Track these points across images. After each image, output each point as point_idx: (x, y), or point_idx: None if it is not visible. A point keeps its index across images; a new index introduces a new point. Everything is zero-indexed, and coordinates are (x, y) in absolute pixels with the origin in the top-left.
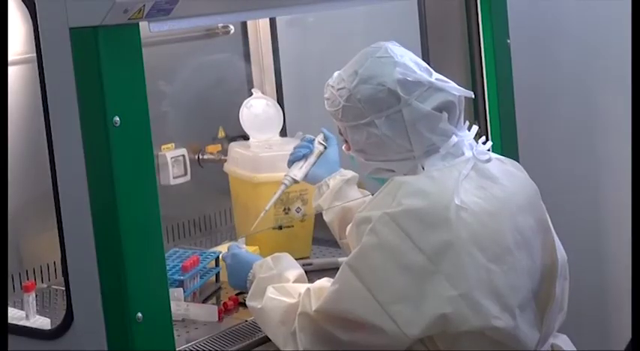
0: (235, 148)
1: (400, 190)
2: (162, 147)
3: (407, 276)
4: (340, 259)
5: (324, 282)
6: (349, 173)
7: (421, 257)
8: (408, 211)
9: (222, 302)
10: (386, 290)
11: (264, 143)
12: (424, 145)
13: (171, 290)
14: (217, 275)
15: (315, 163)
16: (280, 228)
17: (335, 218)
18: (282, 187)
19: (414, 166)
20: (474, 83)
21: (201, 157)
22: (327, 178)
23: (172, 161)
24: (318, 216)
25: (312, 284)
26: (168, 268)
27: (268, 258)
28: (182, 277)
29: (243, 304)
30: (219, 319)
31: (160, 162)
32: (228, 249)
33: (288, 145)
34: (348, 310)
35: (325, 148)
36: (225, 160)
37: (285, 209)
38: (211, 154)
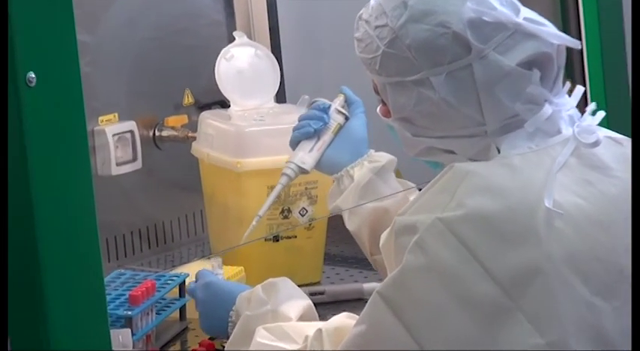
0: (209, 119)
1: (463, 183)
2: (101, 119)
3: (470, 315)
4: (368, 286)
5: (344, 319)
6: (383, 157)
7: (492, 287)
8: (473, 217)
9: (190, 350)
10: (437, 335)
11: (251, 113)
12: (502, 117)
13: (113, 333)
14: (182, 310)
15: (331, 142)
16: (277, 239)
17: (363, 225)
18: (283, 179)
19: (485, 148)
20: (565, 25)
21: (158, 133)
22: (351, 165)
23: (115, 140)
24: (334, 222)
25: (326, 323)
26: (109, 299)
27: (258, 287)
28: (130, 313)
29: None
30: None
31: (96, 141)
32: (196, 276)
33: (289, 116)
34: None
35: (347, 118)
36: (194, 138)
37: (283, 211)
38: (173, 129)
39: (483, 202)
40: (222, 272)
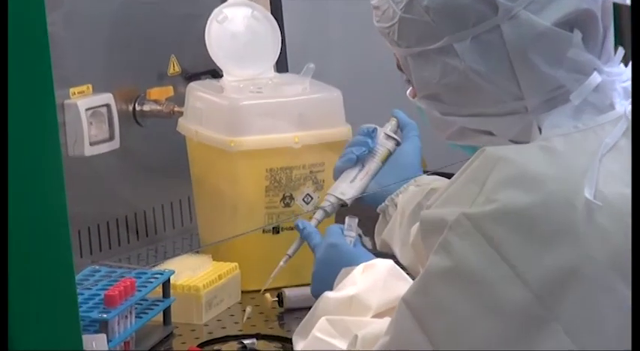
0: (198, 92)
1: (494, 172)
2: (72, 91)
3: (498, 325)
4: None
5: (385, 325)
6: (433, 179)
7: (524, 294)
8: (504, 214)
9: None
10: (464, 345)
11: (247, 84)
12: (543, 89)
13: (85, 338)
14: (167, 312)
15: (378, 170)
16: (277, 231)
17: (418, 258)
18: (319, 214)
19: (526, 127)
20: None
21: (138, 108)
22: (396, 191)
23: (89, 115)
24: (345, 209)
25: (371, 327)
26: (81, 299)
27: (362, 265)
28: (105, 316)
29: None
30: None
31: (67, 117)
32: (326, 232)
33: (291, 87)
34: None
35: (398, 144)
36: (181, 114)
37: (284, 198)
38: (156, 103)
39: (516, 195)
40: (354, 235)
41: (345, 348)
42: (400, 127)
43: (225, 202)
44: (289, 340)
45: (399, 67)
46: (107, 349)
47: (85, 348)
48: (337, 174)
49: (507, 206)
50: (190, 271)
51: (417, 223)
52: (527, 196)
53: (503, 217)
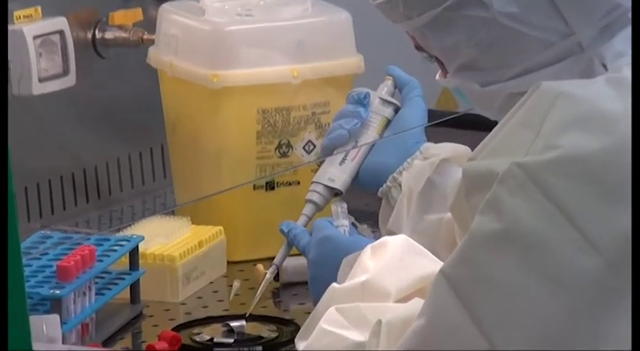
0: (173, 15)
1: (553, 112)
2: (17, 14)
3: (565, 300)
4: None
5: (414, 307)
6: (444, 148)
7: (593, 261)
8: (567, 163)
9: (145, 346)
10: (515, 329)
11: (234, 4)
12: (595, 15)
13: (34, 320)
14: (135, 288)
15: (372, 147)
16: (271, 187)
17: (437, 246)
18: (308, 209)
19: (587, 68)
20: None
21: (99, 35)
22: (398, 169)
23: (37, 45)
24: None
25: (396, 312)
26: (28, 272)
27: (369, 247)
28: (58, 292)
29: (194, 348)
30: None
31: (10, 46)
32: (312, 228)
33: (287, 9)
34: None
35: (397, 109)
36: (152, 42)
37: (280, 146)
38: (121, 29)
39: (582, 139)
40: (347, 223)
41: (362, 339)
42: (398, 88)
43: (206, 152)
44: (287, 322)
45: (418, 47)
46: (60, 332)
47: (33, 332)
48: (326, 154)
49: (571, 153)
50: (164, 238)
51: (455, 182)
52: (595, 140)
53: (566, 166)
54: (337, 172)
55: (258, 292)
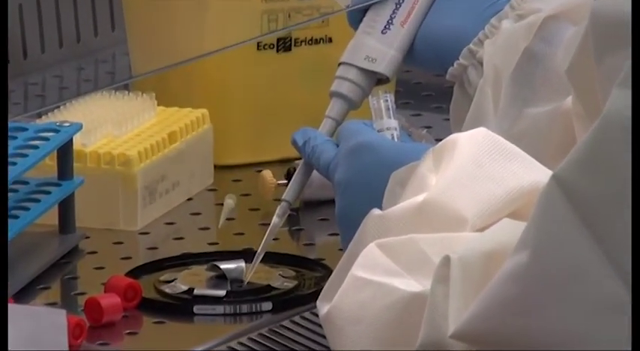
0: None
1: None
2: None
3: None
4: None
5: (504, 234)
6: (546, 1)
7: None
8: None
9: (83, 301)
10: None
11: None
12: None
13: None
14: (67, 208)
15: (432, 3)
16: (286, 47)
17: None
18: (335, 107)
19: None
20: None
21: None
22: (478, 36)
23: None
24: None
25: (467, 245)
26: None
27: (430, 152)
28: None
29: (162, 305)
30: (74, 345)
31: None
32: (338, 134)
33: None
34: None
35: None
36: None
37: None
38: None
39: None
40: (395, 125)
41: (421, 288)
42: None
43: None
44: (311, 263)
45: None
46: None
47: None
48: (354, 19)
49: None
50: (113, 127)
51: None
52: None
53: None
54: (378, 46)
55: (261, 246)
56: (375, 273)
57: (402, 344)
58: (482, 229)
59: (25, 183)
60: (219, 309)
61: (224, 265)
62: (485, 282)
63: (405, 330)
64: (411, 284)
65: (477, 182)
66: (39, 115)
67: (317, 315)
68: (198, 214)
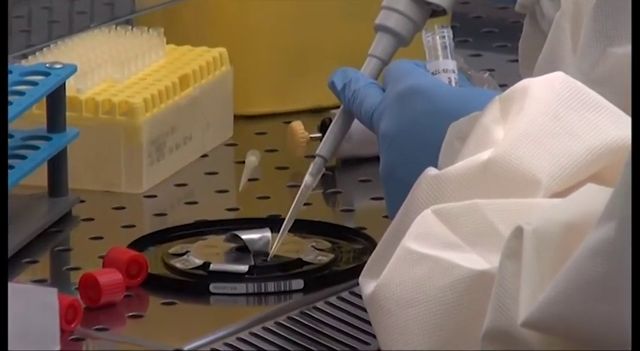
0: None
1: None
2: None
3: None
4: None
5: (585, 202)
6: None
7: None
8: None
9: (79, 278)
10: None
11: None
12: None
13: None
14: (59, 167)
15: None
16: None
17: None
18: (381, 44)
19: None
20: None
21: None
22: None
23: None
24: None
25: (542, 214)
26: None
27: (496, 99)
28: None
29: (172, 282)
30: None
31: None
32: (387, 75)
33: None
34: None
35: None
36: None
37: None
38: None
39: None
40: (453, 66)
41: (487, 266)
42: None
43: None
44: (351, 233)
45: None
46: None
47: None
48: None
49: None
50: (114, 68)
51: None
52: None
53: None
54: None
55: (290, 212)
56: (430, 246)
57: (462, 332)
58: (559, 195)
59: (9, 136)
60: (241, 288)
61: (246, 236)
62: (565, 259)
63: (467, 316)
64: (474, 260)
65: (553, 138)
66: (24, 56)
67: (357, 295)
68: (214, 173)
